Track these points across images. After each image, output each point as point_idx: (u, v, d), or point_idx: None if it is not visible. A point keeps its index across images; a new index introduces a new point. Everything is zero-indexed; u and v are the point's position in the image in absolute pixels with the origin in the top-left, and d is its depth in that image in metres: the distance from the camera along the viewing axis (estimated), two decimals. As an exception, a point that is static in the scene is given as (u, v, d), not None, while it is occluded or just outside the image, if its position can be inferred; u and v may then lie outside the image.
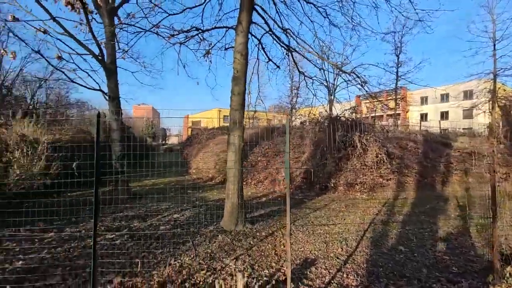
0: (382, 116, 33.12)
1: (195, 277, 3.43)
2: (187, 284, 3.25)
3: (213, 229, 5.10)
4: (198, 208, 6.70)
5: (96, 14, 7.14)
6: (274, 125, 14.26)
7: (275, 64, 6.91)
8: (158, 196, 7.87)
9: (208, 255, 4.04)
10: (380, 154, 8.59)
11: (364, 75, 5.75)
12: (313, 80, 7.06)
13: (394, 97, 26.60)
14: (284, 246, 4.46)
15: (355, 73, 5.67)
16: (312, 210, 6.91)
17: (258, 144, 11.76)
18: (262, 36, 6.37)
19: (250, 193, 8.97)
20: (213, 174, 11.77)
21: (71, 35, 6.10)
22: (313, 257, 4.13)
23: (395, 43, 25.41)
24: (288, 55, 6.67)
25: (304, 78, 7.01)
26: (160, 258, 3.90)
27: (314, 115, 11.44)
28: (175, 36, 5.94)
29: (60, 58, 6.64)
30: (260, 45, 6.45)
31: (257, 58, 6.74)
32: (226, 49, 6.52)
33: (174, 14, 5.86)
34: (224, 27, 6.07)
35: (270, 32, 6.12)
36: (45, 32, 6.47)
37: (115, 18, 7.09)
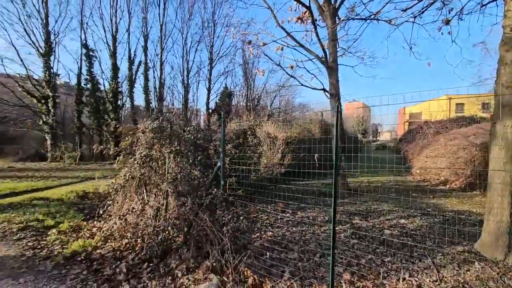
0: None
1: (445, 311, 2.59)
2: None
3: (463, 251, 3.79)
4: (432, 218, 5.41)
5: (319, 21, 7.76)
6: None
7: None
8: (375, 195, 7.30)
9: (460, 285, 2.97)
10: None
11: None
12: None
13: None
14: None
15: None
16: None
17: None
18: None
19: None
20: (446, 177, 9.31)
21: (301, 45, 7.04)
22: None
23: None
24: None
25: None
26: (390, 267, 3.37)
27: None
28: (407, 11, 5.05)
29: (292, 67, 7.81)
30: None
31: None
32: (483, 6, 4.65)
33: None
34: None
35: None
36: (282, 49, 7.91)
37: (336, 18, 7.35)
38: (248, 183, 6.59)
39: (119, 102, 20.18)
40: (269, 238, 4.36)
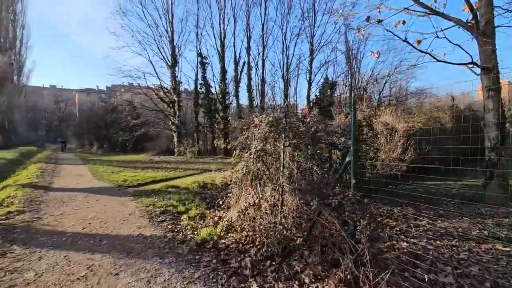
0: None
1: None
2: None
3: None
4: None
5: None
6: None
7: None
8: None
9: None
10: None
11: None
12: None
13: None
14: None
15: None
16: None
17: None
18: None
19: None
20: None
21: (435, 12, 5.56)
22: None
23: None
24: None
25: None
26: None
27: None
28: None
29: (419, 42, 6.41)
30: None
31: None
32: None
33: None
34: None
35: None
36: (404, 22, 6.55)
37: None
38: (365, 181, 5.78)
39: (227, 102, 22.21)
40: (405, 250, 3.55)
